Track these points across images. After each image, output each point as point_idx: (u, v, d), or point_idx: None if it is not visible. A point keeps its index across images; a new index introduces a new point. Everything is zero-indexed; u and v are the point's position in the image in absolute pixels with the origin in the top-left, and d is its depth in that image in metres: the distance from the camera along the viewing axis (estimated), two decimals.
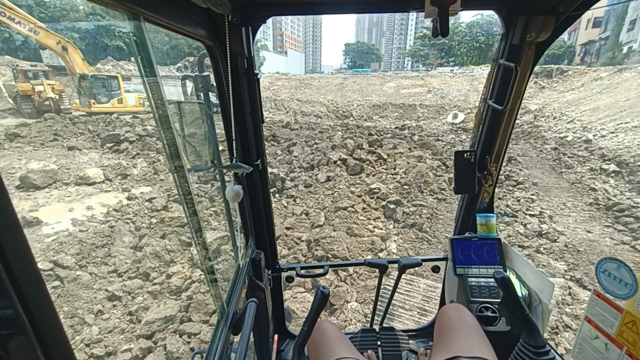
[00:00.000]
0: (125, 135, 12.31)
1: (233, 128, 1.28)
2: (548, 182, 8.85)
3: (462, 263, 1.72)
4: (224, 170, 1.30)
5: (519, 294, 1.49)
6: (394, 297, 1.89)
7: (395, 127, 16.73)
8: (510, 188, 8.36)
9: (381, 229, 6.12)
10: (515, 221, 6.50)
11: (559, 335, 3.56)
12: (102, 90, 17.37)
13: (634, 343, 0.99)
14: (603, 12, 35.68)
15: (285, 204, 7.16)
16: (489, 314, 1.55)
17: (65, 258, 4.64)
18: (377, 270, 1.80)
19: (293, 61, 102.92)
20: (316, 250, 5.08)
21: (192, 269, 4.72)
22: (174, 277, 4.52)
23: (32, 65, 22.46)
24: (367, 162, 9.71)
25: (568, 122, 15.23)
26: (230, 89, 1.24)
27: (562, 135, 13.51)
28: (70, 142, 12.50)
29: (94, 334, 3.59)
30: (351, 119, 23.53)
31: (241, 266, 1.44)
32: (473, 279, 1.67)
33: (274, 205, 7.12)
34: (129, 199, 7.46)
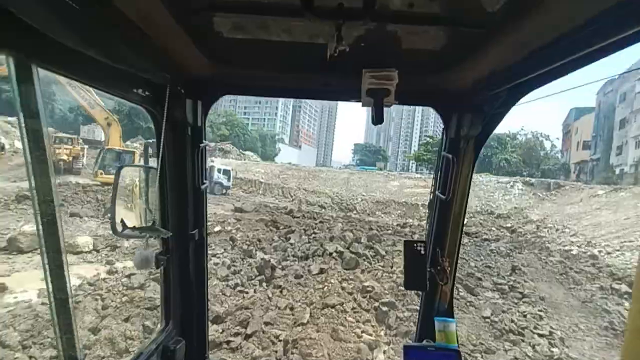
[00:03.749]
0: None
1: (168, 193, 1.27)
2: (557, 297, 8.18)
3: None
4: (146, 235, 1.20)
5: None
6: None
7: (397, 224, 16.69)
8: (516, 301, 7.71)
9: (370, 334, 5.46)
10: (522, 340, 5.77)
11: None
12: (114, 163, 18.62)
13: None
14: (590, 137, 39.11)
15: (270, 295, 6.65)
16: None
17: (12, 335, 4.16)
18: None
19: (306, 154, 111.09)
20: (292, 354, 4.46)
21: None
22: None
23: (69, 134, 25.00)
24: (364, 257, 9.36)
25: (571, 235, 15.01)
26: (166, 156, 1.26)
27: (566, 248, 13.15)
28: (75, 209, 12.71)
29: None
30: (354, 212, 23.80)
31: (142, 354, 1.19)
32: None
33: (258, 294, 6.64)
34: (108, 272, 7.09)
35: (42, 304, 5.28)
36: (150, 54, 1.04)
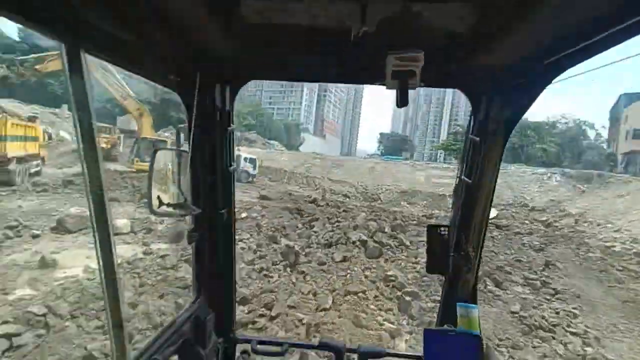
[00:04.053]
0: None
1: (199, 175, 1.33)
2: (594, 295, 7.72)
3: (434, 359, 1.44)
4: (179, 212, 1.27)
5: None
6: None
7: (422, 215, 16.35)
8: (548, 297, 7.38)
9: (392, 322, 5.48)
10: (553, 338, 5.54)
11: None
12: (149, 151, 19.61)
13: None
14: None
15: (294, 280, 6.82)
16: None
17: (62, 305, 4.60)
18: None
19: (330, 144, 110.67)
20: (314, 337, 4.58)
21: None
22: None
23: (107, 124, 26.66)
24: (388, 247, 9.31)
25: (615, 231, 13.98)
26: (197, 139, 1.31)
27: (608, 244, 12.28)
28: (113, 194, 13.59)
29: None
30: (379, 202, 23.55)
31: (176, 322, 1.26)
32: None
33: (282, 279, 6.83)
34: (144, 253, 7.58)
35: (88, 279, 5.78)
36: (183, 40, 1.08)
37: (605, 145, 47.12)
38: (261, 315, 5.21)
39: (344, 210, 14.77)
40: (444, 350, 1.46)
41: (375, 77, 1.22)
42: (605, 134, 48.11)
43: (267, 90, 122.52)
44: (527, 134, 44.44)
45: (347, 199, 22.63)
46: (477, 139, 1.41)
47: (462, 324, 1.51)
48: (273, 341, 1.71)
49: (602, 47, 0.84)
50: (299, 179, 28.39)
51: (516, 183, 25.50)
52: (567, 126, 49.40)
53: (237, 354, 1.65)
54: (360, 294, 6.18)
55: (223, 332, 1.59)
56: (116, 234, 7.07)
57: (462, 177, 1.51)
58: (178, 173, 1.35)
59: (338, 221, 11.91)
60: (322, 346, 1.56)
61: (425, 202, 23.75)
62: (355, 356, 1.55)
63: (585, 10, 0.79)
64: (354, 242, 9.21)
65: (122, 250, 7.70)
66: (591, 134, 48.80)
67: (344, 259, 8.08)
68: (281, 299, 5.72)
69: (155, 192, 1.32)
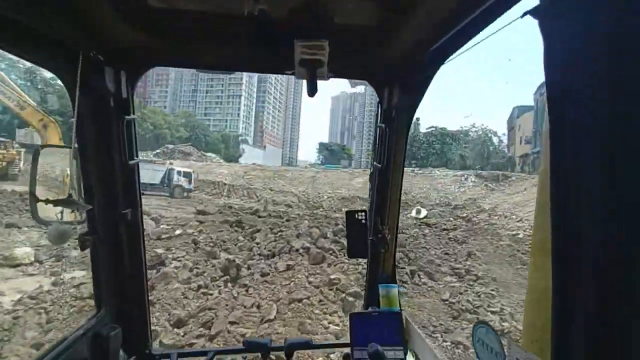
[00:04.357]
0: None
1: (91, 171, 1.18)
2: (506, 278, 8.91)
3: (360, 344, 1.48)
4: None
5: None
6: None
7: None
8: (471, 283, 8.27)
9: (337, 325, 5.56)
10: (477, 318, 6.20)
11: None
12: None
13: None
14: (530, 132, 43.01)
15: (236, 295, 6.49)
16: None
17: None
18: None
19: (271, 154, 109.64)
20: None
21: None
22: None
23: (2, 137, 22.48)
24: (330, 252, 9.47)
25: (517, 221, 16.43)
26: (85, 130, 1.18)
27: (514, 232, 14.36)
28: (11, 219, 11.40)
29: None
30: (321, 209, 23.96)
31: (66, 341, 1.07)
32: None
33: (223, 295, 6.45)
34: (53, 284, 6.48)
35: None
36: (64, 14, 0.96)
37: (506, 150, 55.48)
38: (199, 336, 4.82)
39: (286, 220, 14.67)
40: (369, 330, 1.52)
41: (284, 66, 1.23)
42: (505, 140, 56.68)
43: (201, 101, 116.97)
44: (447, 142, 50.12)
45: (290, 209, 22.55)
46: (384, 126, 1.54)
47: (384, 304, 1.62)
48: (195, 351, 1.58)
49: (476, 28, 0.97)
50: (239, 192, 27.44)
51: (440, 185, 28.40)
52: (477, 134, 56.97)
53: None
54: (304, 300, 6.15)
55: (136, 349, 1.41)
56: (15, 266, 5.98)
57: (375, 163, 1.62)
58: (72, 172, 1.18)
59: (281, 230, 11.77)
60: (248, 346, 1.49)
61: (364, 206, 24.90)
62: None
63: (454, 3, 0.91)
64: (297, 250, 9.18)
65: (23, 284, 6.47)
66: (495, 140, 57.01)
67: (288, 268, 7.99)
68: (221, 316, 5.39)
69: (42, 198, 1.13)
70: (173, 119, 71.84)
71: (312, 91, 1.16)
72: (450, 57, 1.18)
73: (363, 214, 1.58)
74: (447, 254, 11.04)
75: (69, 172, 1.26)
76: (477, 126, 57.35)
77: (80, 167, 1.18)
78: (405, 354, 1.47)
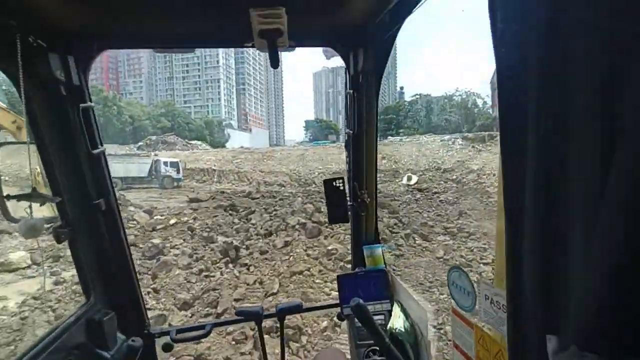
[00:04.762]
0: None
1: (53, 163, 1.15)
2: (492, 231, 9.29)
3: (348, 301, 1.55)
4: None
5: (402, 328, 1.36)
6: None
7: None
8: (464, 240, 8.62)
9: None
10: (471, 270, 6.54)
11: None
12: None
13: None
14: None
15: (237, 274, 6.65)
16: (377, 357, 1.38)
17: None
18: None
19: (257, 137, 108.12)
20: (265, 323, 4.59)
21: None
22: None
23: None
24: (326, 225, 9.66)
25: None
26: (42, 121, 1.13)
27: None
28: (1, 226, 11.18)
29: None
30: (313, 185, 24.10)
31: (58, 328, 1.08)
32: None
33: (225, 276, 6.60)
34: (55, 283, 6.51)
35: None
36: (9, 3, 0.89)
37: (491, 111, 55.88)
38: (207, 315, 4.99)
39: (280, 199, 14.77)
40: (356, 290, 1.60)
41: (244, 38, 1.20)
42: (489, 101, 56.94)
43: (179, 88, 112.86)
44: (432, 108, 50.10)
45: (283, 188, 22.62)
46: (352, 92, 1.52)
47: (369, 264, 1.71)
48: (193, 326, 1.63)
49: None
50: (229, 176, 27.26)
51: (429, 151, 28.68)
52: (461, 98, 57.00)
53: (158, 349, 1.53)
54: (305, 272, 6.35)
55: (134, 331, 1.43)
56: (13, 270, 5.96)
57: (347, 130, 1.63)
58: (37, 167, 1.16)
59: (275, 210, 11.89)
60: (240, 315, 1.54)
61: None
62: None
63: None
64: (293, 227, 9.33)
65: (25, 287, 6.47)
66: (480, 102, 57.21)
67: (286, 244, 8.16)
68: (226, 295, 5.55)
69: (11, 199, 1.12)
70: (152, 110, 69.44)
71: (274, 63, 1.13)
72: (412, 13, 1.16)
73: (340, 181, 1.60)
74: (439, 215, 11.38)
75: (38, 169, 1.23)
76: (461, 90, 57.25)
77: (42, 161, 1.15)
78: (392, 307, 1.56)
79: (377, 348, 1.39)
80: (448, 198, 14.67)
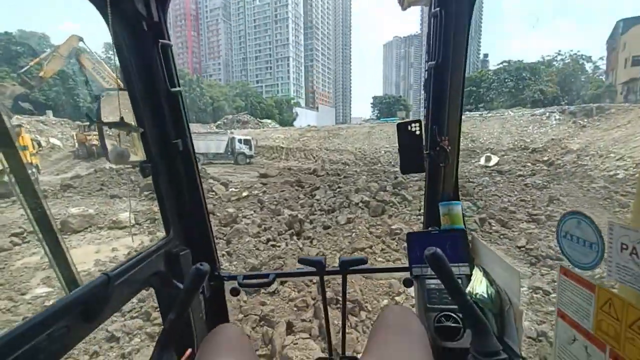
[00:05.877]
0: None
1: (138, 99, 1.19)
2: (599, 222, 7.75)
3: (419, 262, 1.39)
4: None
5: (484, 294, 1.15)
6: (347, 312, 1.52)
7: None
8: (554, 229, 7.43)
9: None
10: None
11: None
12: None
13: (616, 336, 0.65)
14: None
15: (301, 246, 6.89)
16: (450, 324, 1.21)
17: None
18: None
19: (325, 114, 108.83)
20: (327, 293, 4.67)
21: None
22: None
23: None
24: (391, 204, 9.34)
25: (617, 160, 13.90)
26: (127, 56, 1.17)
27: (611, 173, 12.26)
28: (113, 191, 13.58)
29: None
30: (379, 165, 23.48)
31: (142, 254, 1.17)
32: (432, 281, 1.34)
33: (289, 246, 6.90)
34: (151, 240, 7.66)
35: (99, 271, 5.86)
36: None
37: (603, 77, 45.96)
38: None
39: (344, 177, 14.76)
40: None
41: None
42: (603, 65, 46.75)
43: (252, 68, 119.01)
44: (523, 76, 43.26)
45: (347, 166, 22.57)
46: (439, 10, 1.25)
47: (445, 223, 1.45)
48: (259, 274, 1.64)
49: None
50: (296, 154, 28.23)
51: (514, 128, 25.16)
52: (563, 62, 47.95)
53: (226, 291, 1.59)
54: (367, 249, 6.25)
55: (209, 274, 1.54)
56: (122, 228, 7.09)
57: (428, 62, 1.35)
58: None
59: (339, 187, 11.92)
60: (303, 264, 1.46)
61: None
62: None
63: None
64: (356, 204, 9.24)
65: (130, 242, 7.79)
66: (589, 67, 47.40)
67: (348, 221, 8.13)
68: (290, 264, 5.80)
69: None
70: (228, 90, 74.88)
71: None
72: None
73: (417, 124, 1.37)
74: (523, 200, 10.02)
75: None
76: (564, 53, 48.05)
77: (129, 97, 1.21)
78: (471, 272, 1.33)
79: (451, 314, 1.22)
80: (536, 182, 12.78)
